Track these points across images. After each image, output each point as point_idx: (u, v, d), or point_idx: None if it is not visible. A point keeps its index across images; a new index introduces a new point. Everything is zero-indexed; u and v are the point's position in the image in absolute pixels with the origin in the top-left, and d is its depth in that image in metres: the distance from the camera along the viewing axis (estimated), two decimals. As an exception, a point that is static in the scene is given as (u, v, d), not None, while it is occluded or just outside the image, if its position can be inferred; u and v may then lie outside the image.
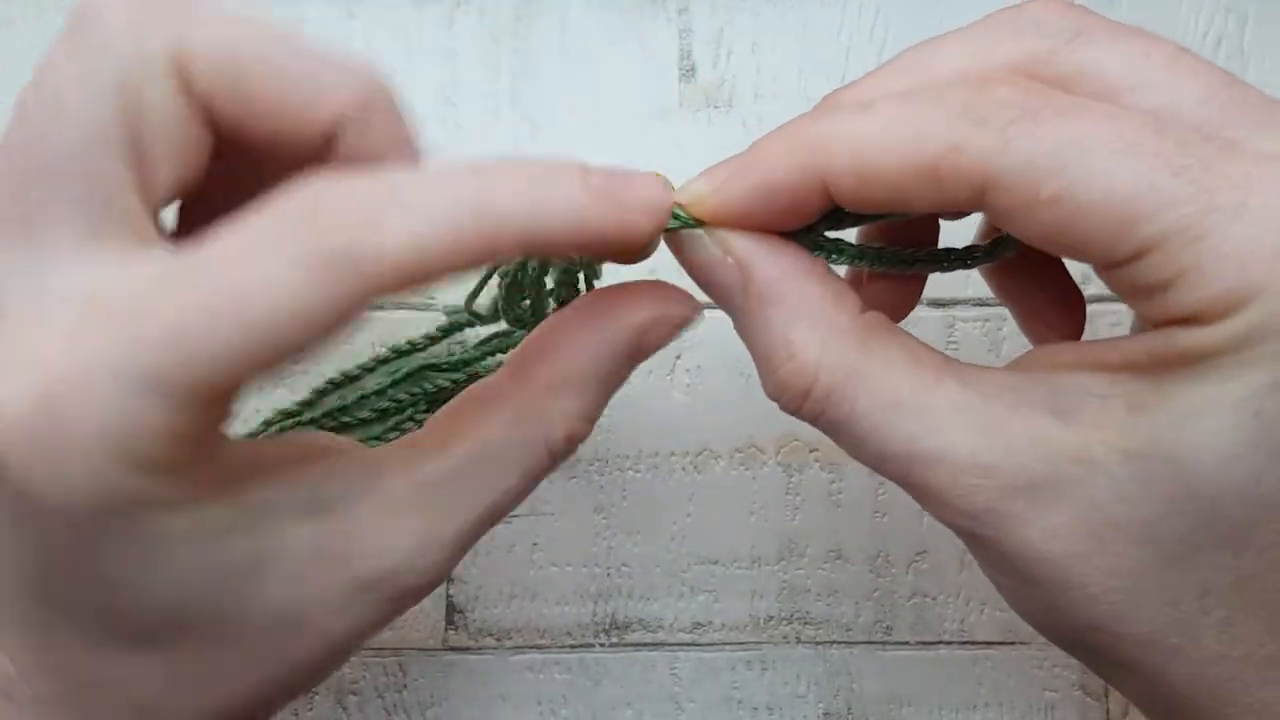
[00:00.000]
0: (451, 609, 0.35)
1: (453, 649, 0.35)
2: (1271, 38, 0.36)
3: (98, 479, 0.18)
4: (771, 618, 0.35)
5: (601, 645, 0.35)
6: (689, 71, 0.36)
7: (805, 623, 0.35)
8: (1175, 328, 0.19)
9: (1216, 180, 0.19)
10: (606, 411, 0.35)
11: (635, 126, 0.36)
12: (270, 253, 0.18)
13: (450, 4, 0.36)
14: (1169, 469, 0.20)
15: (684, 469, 0.35)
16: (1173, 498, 0.20)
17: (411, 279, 0.18)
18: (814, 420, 0.22)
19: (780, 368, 0.22)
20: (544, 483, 0.35)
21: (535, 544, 0.35)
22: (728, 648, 0.35)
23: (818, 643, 0.35)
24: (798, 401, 0.22)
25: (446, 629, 0.35)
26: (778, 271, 0.22)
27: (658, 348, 0.23)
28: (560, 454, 0.23)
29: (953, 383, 0.21)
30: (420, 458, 0.22)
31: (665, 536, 0.35)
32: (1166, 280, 0.19)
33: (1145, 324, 0.20)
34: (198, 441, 0.19)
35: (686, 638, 0.35)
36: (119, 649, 0.21)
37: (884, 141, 0.20)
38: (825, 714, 0.35)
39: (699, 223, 0.22)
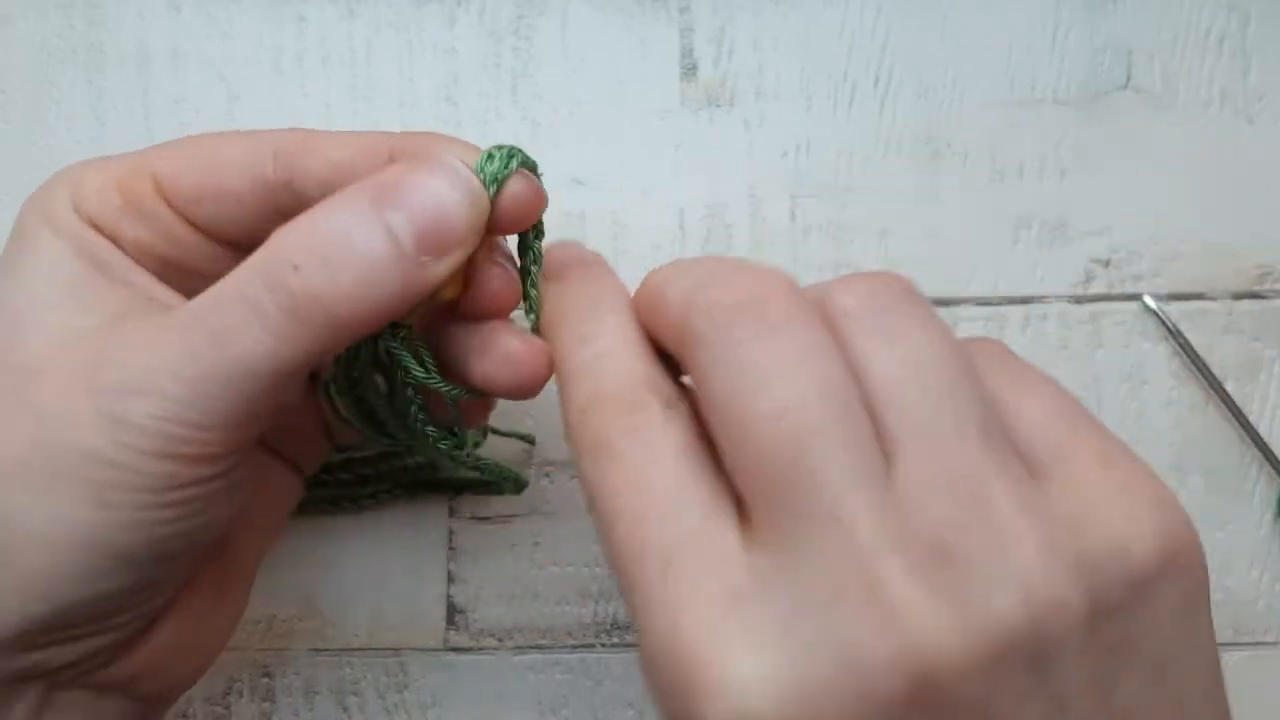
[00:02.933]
0: (452, 609, 0.35)
1: (454, 649, 0.35)
2: (1273, 37, 0.36)
3: (54, 193, 0.25)
4: (773, 618, 0.35)
5: (603, 645, 0.35)
6: (690, 70, 0.36)
7: None
8: None
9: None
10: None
11: (637, 125, 0.36)
12: None
13: (451, 3, 0.36)
14: None
15: (685, 469, 0.35)
16: None
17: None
18: None
19: None
20: (545, 482, 0.35)
21: (536, 544, 0.35)
22: (730, 648, 0.35)
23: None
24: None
25: (447, 629, 0.35)
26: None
27: (420, 197, 0.23)
28: (272, 263, 0.22)
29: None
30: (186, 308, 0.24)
31: (667, 536, 0.35)
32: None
33: None
34: (114, 206, 0.25)
35: (688, 638, 0.35)
36: None
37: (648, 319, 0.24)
38: (827, 714, 0.35)
39: None
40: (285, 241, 0.22)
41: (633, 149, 0.35)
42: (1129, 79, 0.36)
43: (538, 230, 0.26)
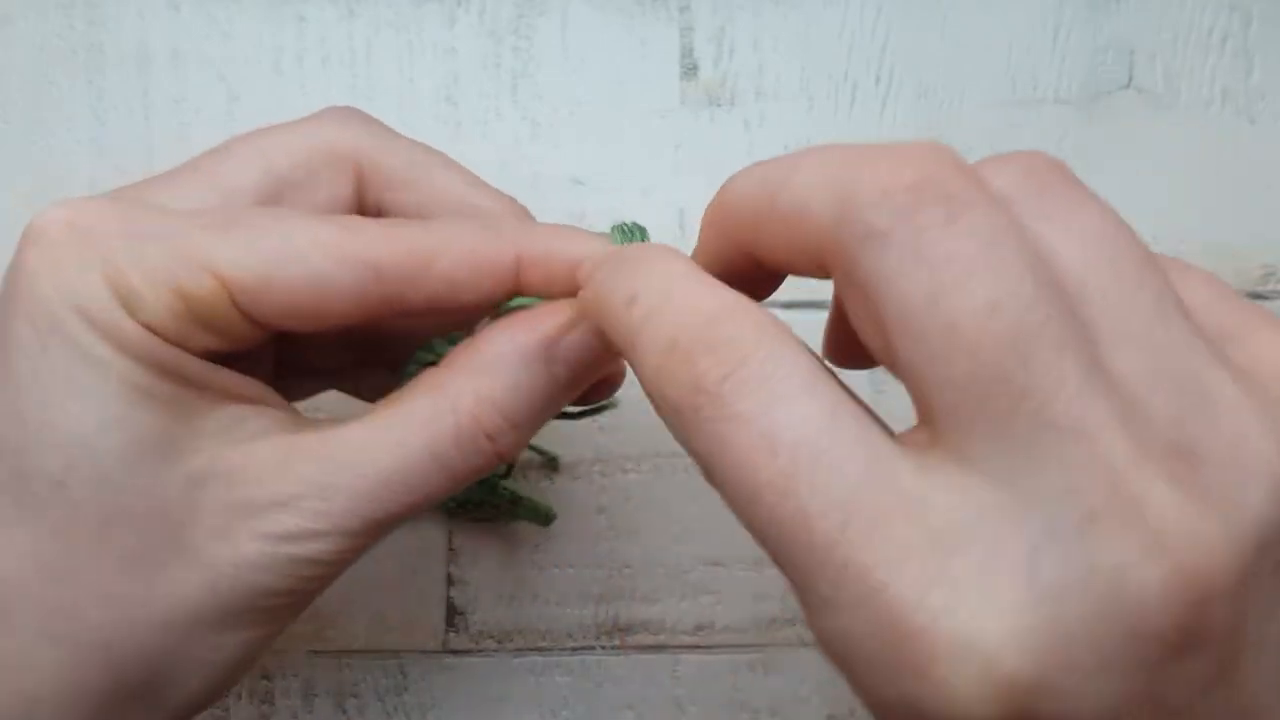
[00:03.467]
0: (452, 611, 0.35)
1: (453, 651, 0.35)
2: (1276, 37, 0.36)
3: (82, 272, 0.21)
4: (775, 620, 0.34)
5: (604, 647, 0.35)
6: (691, 70, 0.36)
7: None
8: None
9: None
10: (608, 414, 0.35)
11: (637, 125, 0.35)
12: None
13: (451, 3, 0.36)
14: None
15: (686, 469, 0.35)
16: None
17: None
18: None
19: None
20: (545, 483, 0.35)
21: (537, 545, 0.35)
22: (731, 650, 0.35)
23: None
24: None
25: (447, 631, 0.34)
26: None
27: (585, 350, 0.24)
28: (466, 433, 0.23)
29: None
30: (338, 422, 0.23)
31: (668, 538, 0.35)
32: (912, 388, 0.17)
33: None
34: (175, 311, 0.22)
35: (689, 640, 0.34)
36: (8, 490, 0.22)
37: (779, 220, 0.19)
38: (829, 717, 0.34)
39: None
40: (470, 403, 0.23)
41: (633, 149, 0.35)
42: (1130, 79, 0.36)
43: None
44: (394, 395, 0.24)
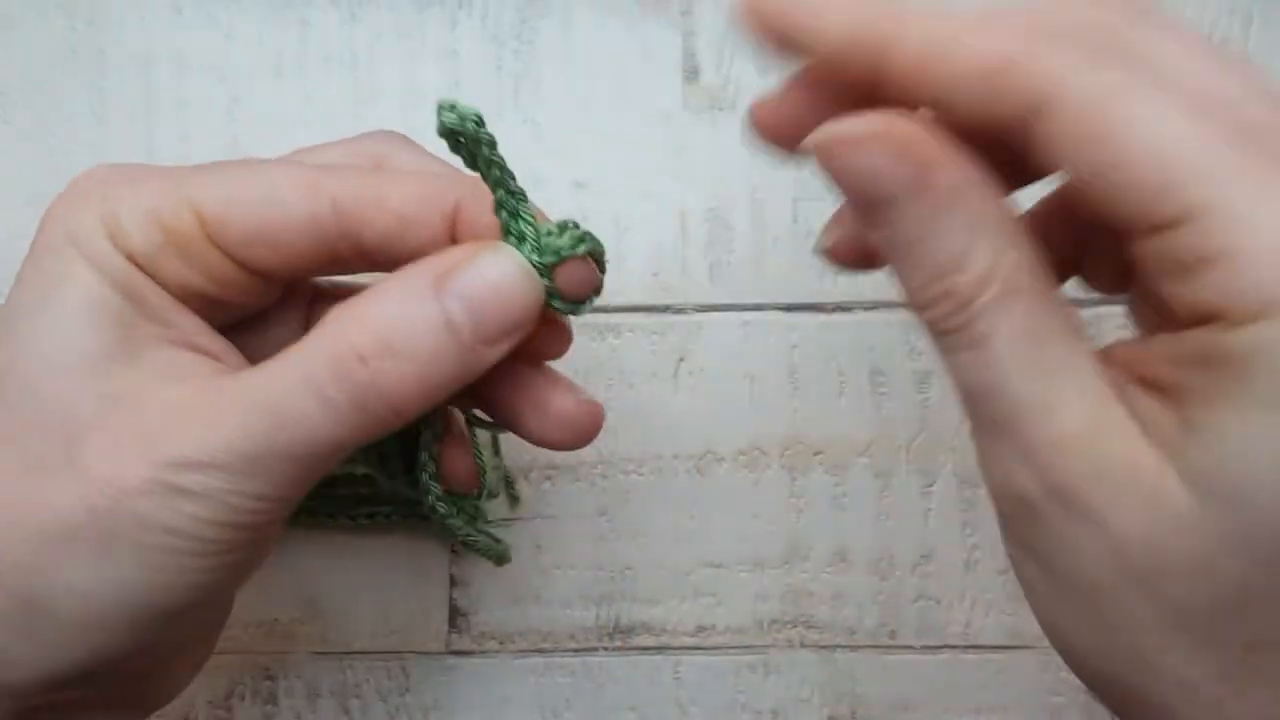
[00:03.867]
0: (454, 612, 0.35)
1: (455, 652, 0.35)
2: (1275, 39, 0.36)
3: (78, 219, 0.24)
4: (775, 621, 0.35)
5: (605, 649, 0.35)
6: (693, 73, 0.36)
7: (809, 626, 0.35)
8: (1215, 327, 0.18)
9: (1277, 169, 0.17)
10: (609, 416, 0.35)
11: (639, 129, 0.35)
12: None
13: (453, 6, 0.36)
14: (1222, 506, 0.18)
15: (687, 472, 0.35)
16: (1227, 536, 0.18)
17: None
18: (946, 332, 0.20)
19: (950, 274, 0.20)
20: (547, 485, 0.35)
21: (538, 547, 0.35)
22: (732, 651, 0.35)
23: (822, 646, 0.35)
24: (957, 307, 0.20)
25: (449, 632, 0.35)
26: (962, 177, 0.20)
27: (479, 285, 0.23)
28: (340, 357, 0.22)
29: (1084, 355, 0.20)
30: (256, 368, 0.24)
31: (669, 539, 0.35)
32: (1206, 257, 0.17)
33: (1175, 316, 0.19)
34: (153, 239, 0.24)
35: (690, 641, 0.35)
36: None
37: (959, 37, 0.19)
38: (830, 718, 0.35)
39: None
40: (350, 330, 0.22)
41: (635, 152, 0.35)
42: (1131, 82, 0.36)
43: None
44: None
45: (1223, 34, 0.36)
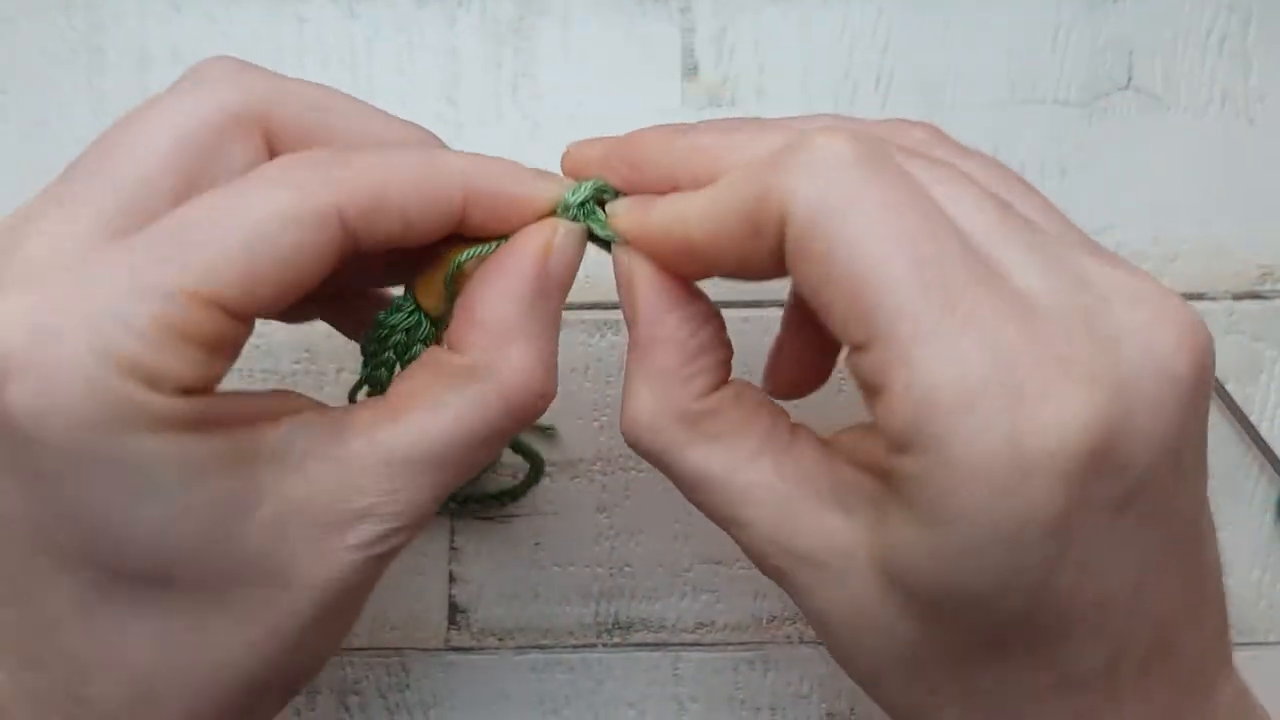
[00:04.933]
0: (454, 609, 0.35)
1: (455, 649, 0.35)
2: (1275, 37, 0.36)
3: (91, 384, 0.19)
4: (775, 617, 0.35)
5: (604, 645, 0.35)
6: (692, 70, 0.36)
7: (808, 623, 0.35)
8: (886, 445, 0.20)
9: (955, 303, 0.19)
10: (608, 413, 0.35)
11: (638, 126, 0.35)
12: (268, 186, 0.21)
13: (452, 3, 0.36)
14: (892, 590, 0.21)
15: (687, 469, 0.35)
16: (899, 615, 0.21)
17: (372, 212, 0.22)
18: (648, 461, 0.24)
19: (624, 409, 0.24)
20: (546, 482, 0.35)
21: (538, 544, 0.35)
22: (731, 648, 0.35)
23: (821, 643, 0.34)
24: (631, 442, 0.24)
25: (449, 629, 0.35)
26: (650, 330, 0.23)
27: (566, 269, 0.24)
28: (520, 405, 0.23)
29: (768, 463, 0.23)
30: (379, 423, 0.23)
31: (668, 536, 0.35)
32: (875, 385, 0.20)
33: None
34: (191, 358, 0.20)
35: (690, 637, 0.35)
36: (108, 601, 0.21)
37: (719, 199, 0.22)
38: (828, 714, 0.35)
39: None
40: (521, 374, 0.23)
41: (634, 149, 0.35)
42: (1130, 79, 0.36)
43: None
44: (417, 384, 0.24)
45: (1222, 33, 0.36)
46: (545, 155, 0.26)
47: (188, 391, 0.20)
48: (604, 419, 0.35)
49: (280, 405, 0.24)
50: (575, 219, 0.24)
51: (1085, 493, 0.19)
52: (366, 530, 0.23)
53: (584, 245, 0.25)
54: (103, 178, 0.22)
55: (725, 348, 0.24)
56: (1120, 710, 0.22)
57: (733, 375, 0.24)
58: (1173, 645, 0.22)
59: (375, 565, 0.23)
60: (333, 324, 0.30)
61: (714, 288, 0.35)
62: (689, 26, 0.36)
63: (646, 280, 0.24)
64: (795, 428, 0.24)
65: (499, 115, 0.35)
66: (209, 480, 0.21)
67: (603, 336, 0.35)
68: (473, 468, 0.24)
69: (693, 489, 0.23)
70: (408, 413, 0.23)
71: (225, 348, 0.21)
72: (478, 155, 0.24)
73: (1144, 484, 0.20)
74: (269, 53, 0.36)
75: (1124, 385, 0.19)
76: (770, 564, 0.23)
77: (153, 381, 0.20)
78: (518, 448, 0.34)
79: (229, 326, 0.21)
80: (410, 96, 0.36)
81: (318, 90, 0.25)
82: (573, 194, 0.24)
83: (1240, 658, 0.34)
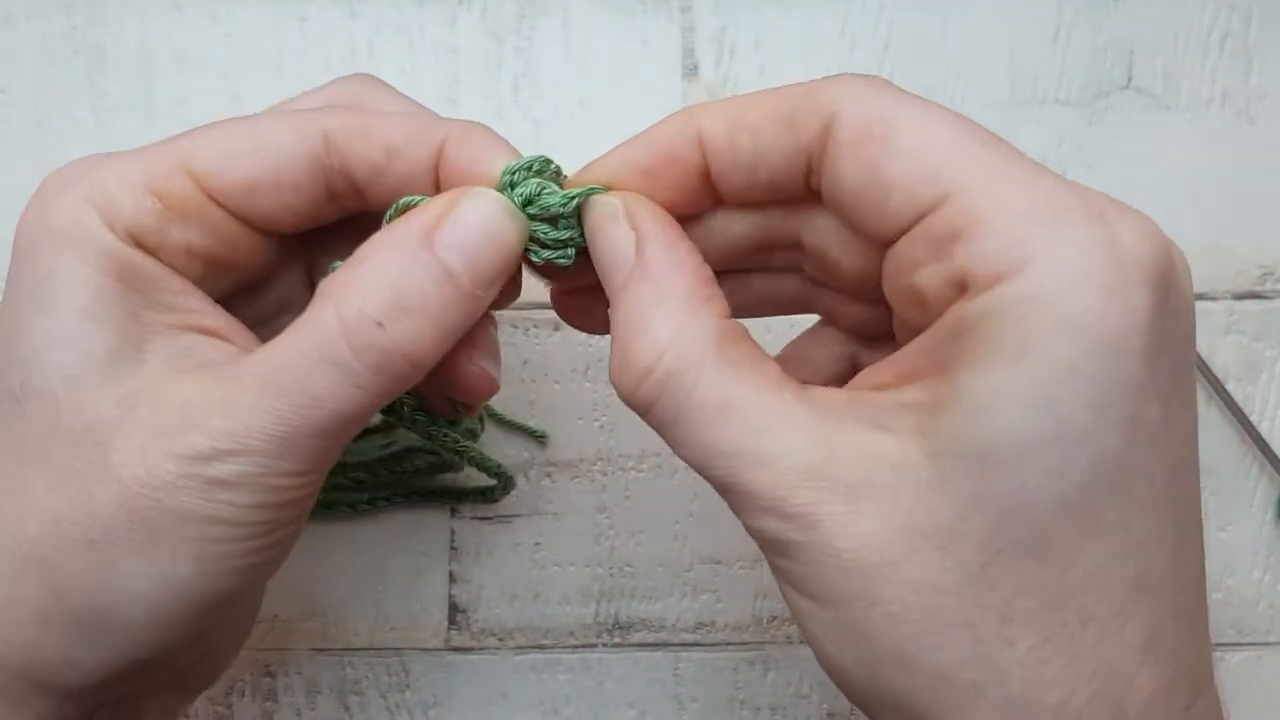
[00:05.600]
0: (454, 609, 0.35)
1: (455, 649, 0.35)
2: (1275, 37, 0.36)
3: (64, 204, 0.23)
4: (775, 617, 0.35)
5: (604, 645, 0.35)
6: (692, 70, 0.36)
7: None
8: (963, 300, 0.20)
9: (1012, 159, 0.20)
10: (608, 413, 0.35)
11: (638, 125, 0.35)
12: None
13: (453, 3, 0.36)
14: (967, 467, 0.19)
15: (687, 469, 0.34)
16: (973, 498, 0.19)
17: None
18: (647, 409, 0.22)
19: (632, 343, 0.22)
20: (547, 482, 0.35)
21: (538, 544, 0.35)
22: (731, 648, 0.35)
23: (821, 643, 0.35)
24: (637, 380, 0.22)
25: (449, 629, 0.35)
26: (666, 255, 0.22)
27: (466, 232, 0.23)
28: (351, 323, 0.22)
29: (791, 394, 0.21)
30: (250, 348, 0.24)
31: (668, 536, 0.35)
32: (956, 230, 0.20)
33: (930, 310, 0.21)
34: (147, 208, 0.23)
35: (690, 638, 0.35)
36: None
37: (752, 100, 0.23)
38: (829, 714, 0.35)
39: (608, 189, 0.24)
40: (356, 297, 0.22)
41: (634, 149, 0.35)
42: (1130, 79, 0.36)
43: None
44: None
45: (1222, 32, 0.36)
46: (546, 153, 0.26)
47: (139, 243, 0.23)
48: (604, 419, 0.35)
49: (221, 326, 0.24)
50: (514, 192, 0.24)
51: (1163, 315, 0.19)
52: (191, 441, 0.22)
53: (505, 221, 0.24)
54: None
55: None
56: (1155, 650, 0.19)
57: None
58: (1187, 616, 0.20)
59: (203, 490, 0.22)
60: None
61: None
62: (689, 26, 0.36)
63: (649, 212, 0.23)
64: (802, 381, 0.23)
65: (500, 115, 0.35)
66: (99, 326, 0.22)
67: (603, 338, 0.35)
68: (310, 398, 0.22)
69: (714, 416, 0.21)
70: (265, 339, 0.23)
71: (189, 216, 0.24)
72: (477, 123, 0.25)
73: (1187, 340, 0.20)
74: (270, 52, 0.36)
75: (1163, 239, 0.20)
76: (790, 505, 0.20)
77: (108, 217, 0.23)
78: (482, 465, 0.32)
79: (195, 194, 0.24)
80: (411, 96, 0.35)
81: (411, 101, 0.28)
82: (511, 164, 0.24)
83: (1241, 658, 0.35)
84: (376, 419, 0.31)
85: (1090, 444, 0.19)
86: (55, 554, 0.22)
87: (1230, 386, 0.35)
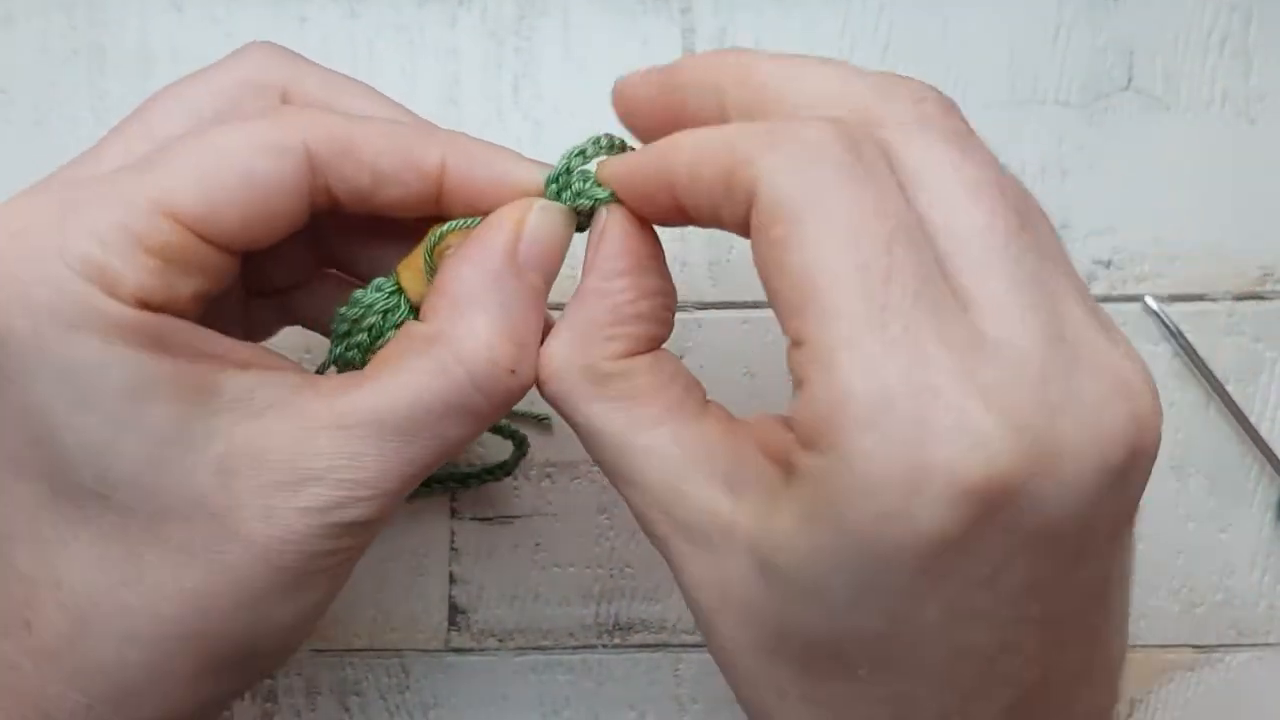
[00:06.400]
0: (454, 610, 0.35)
1: (455, 650, 0.35)
2: (1275, 37, 0.36)
3: (50, 282, 0.21)
4: (775, 618, 0.35)
5: (605, 646, 0.35)
6: (692, 71, 0.36)
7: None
8: (796, 438, 0.20)
9: (894, 312, 0.19)
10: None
11: (638, 126, 0.35)
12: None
13: (453, 3, 0.36)
14: (763, 574, 0.21)
15: (687, 469, 0.35)
16: (764, 598, 0.21)
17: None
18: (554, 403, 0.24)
19: (539, 352, 0.24)
20: (547, 483, 0.35)
21: (538, 544, 0.35)
22: (731, 648, 0.35)
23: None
24: (541, 381, 0.24)
25: (449, 630, 0.35)
26: (597, 281, 0.24)
27: (541, 246, 0.24)
28: (484, 376, 0.23)
29: (667, 432, 0.23)
30: (343, 385, 0.23)
31: (668, 537, 0.35)
32: (798, 376, 0.20)
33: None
34: (150, 268, 0.21)
35: (690, 639, 0.35)
36: (54, 514, 0.22)
37: (704, 151, 0.21)
38: (829, 715, 0.35)
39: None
40: (480, 348, 0.23)
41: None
42: (1130, 79, 0.36)
43: None
44: (383, 355, 0.24)
45: (1223, 32, 0.36)
46: (546, 155, 0.26)
47: (146, 305, 0.22)
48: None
49: (256, 357, 0.24)
50: (561, 197, 0.24)
51: (968, 538, 0.18)
52: (319, 494, 0.22)
53: (567, 228, 0.25)
54: (124, 137, 0.24)
55: (664, 327, 0.24)
56: None
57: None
58: (1051, 706, 0.21)
59: (335, 536, 0.23)
60: (298, 319, 0.30)
61: (714, 289, 0.35)
62: (689, 26, 0.36)
63: (614, 241, 0.24)
64: (709, 404, 0.24)
65: (500, 115, 0.35)
66: (156, 402, 0.22)
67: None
68: (441, 441, 0.23)
69: (587, 442, 0.24)
70: (371, 379, 0.23)
71: (190, 266, 0.22)
72: (462, 134, 0.25)
73: (1037, 554, 0.19)
74: (269, 53, 0.36)
75: (1048, 449, 0.18)
76: (654, 529, 0.23)
77: (109, 286, 0.21)
78: (498, 429, 0.33)
79: (190, 241, 0.22)
80: (411, 97, 0.35)
81: (334, 74, 0.26)
82: (554, 171, 0.25)
83: (1241, 658, 0.35)
84: None
85: (844, 619, 0.20)
86: (207, 626, 0.23)
87: (1230, 387, 0.35)
